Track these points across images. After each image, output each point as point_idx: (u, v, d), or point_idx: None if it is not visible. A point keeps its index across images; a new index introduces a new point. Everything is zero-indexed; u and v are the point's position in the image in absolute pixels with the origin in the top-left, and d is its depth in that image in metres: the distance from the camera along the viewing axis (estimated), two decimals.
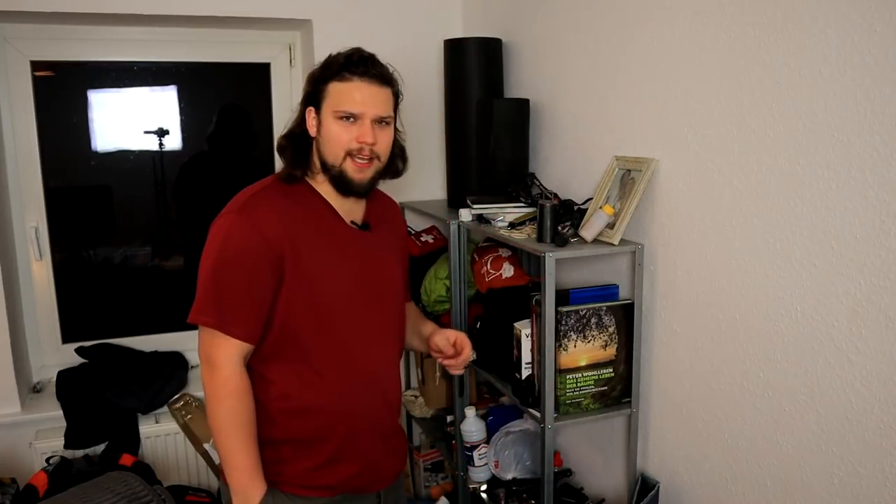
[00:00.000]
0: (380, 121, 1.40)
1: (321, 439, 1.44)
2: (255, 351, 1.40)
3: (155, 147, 2.66)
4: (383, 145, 1.42)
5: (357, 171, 1.41)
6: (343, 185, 1.43)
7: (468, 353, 1.58)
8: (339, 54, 1.41)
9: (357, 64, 1.38)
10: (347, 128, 1.38)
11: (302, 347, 1.41)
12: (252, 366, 1.41)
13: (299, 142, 1.46)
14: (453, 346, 1.58)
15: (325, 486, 1.45)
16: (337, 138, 1.39)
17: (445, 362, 1.60)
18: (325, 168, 1.42)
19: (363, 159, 1.40)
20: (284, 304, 1.38)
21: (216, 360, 1.36)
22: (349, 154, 1.39)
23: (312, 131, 1.43)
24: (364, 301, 1.47)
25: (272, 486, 1.41)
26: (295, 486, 1.44)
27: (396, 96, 1.45)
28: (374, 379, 1.50)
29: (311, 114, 1.43)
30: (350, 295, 1.45)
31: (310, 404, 1.43)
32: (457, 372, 1.63)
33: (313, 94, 1.42)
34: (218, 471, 2.45)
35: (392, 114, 1.43)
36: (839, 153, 1.23)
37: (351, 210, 1.48)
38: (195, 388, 2.51)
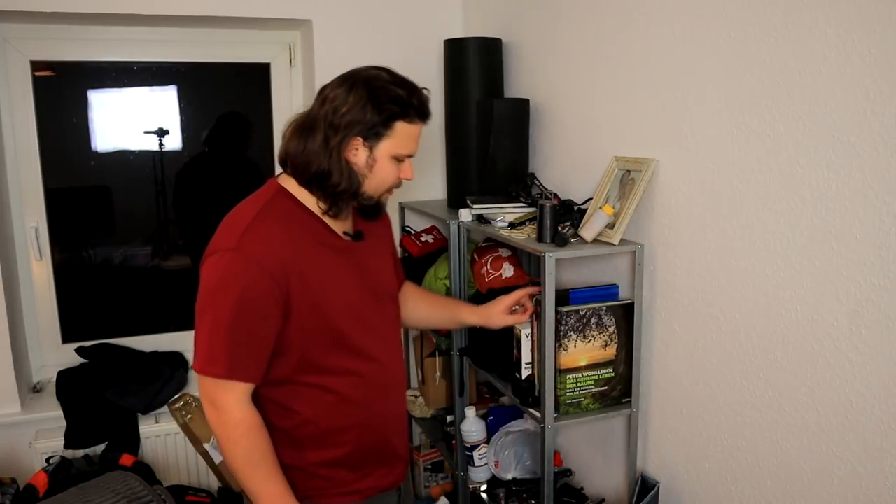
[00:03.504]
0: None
1: (351, 454, 1.44)
2: (269, 381, 1.37)
3: (155, 147, 2.66)
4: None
5: (386, 199, 1.46)
6: (373, 211, 1.46)
7: (530, 306, 1.69)
8: (397, 84, 1.34)
9: (425, 105, 1.37)
10: (397, 166, 1.39)
11: (321, 371, 1.39)
12: (268, 396, 1.39)
13: (332, 165, 1.35)
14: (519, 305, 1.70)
15: (355, 490, 1.46)
16: (388, 177, 1.38)
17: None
18: (358, 197, 1.38)
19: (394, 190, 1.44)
20: (299, 334, 1.34)
21: (224, 405, 1.32)
22: (389, 189, 1.42)
23: (357, 162, 1.35)
24: (368, 310, 1.46)
25: (306, 501, 1.41)
26: (327, 496, 1.44)
27: None
28: (388, 382, 1.51)
29: (357, 143, 1.34)
30: (357, 308, 1.43)
31: (336, 425, 1.42)
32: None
33: (372, 127, 1.33)
34: (218, 471, 2.45)
35: None
36: (839, 153, 1.23)
37: (341, 222, 1.45)
38: (195, 388, 2.50)
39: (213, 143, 2.75)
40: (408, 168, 1.41)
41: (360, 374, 1.43)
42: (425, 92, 1.38)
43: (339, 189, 1.35)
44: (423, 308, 1.75)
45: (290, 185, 1.40)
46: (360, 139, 1.33)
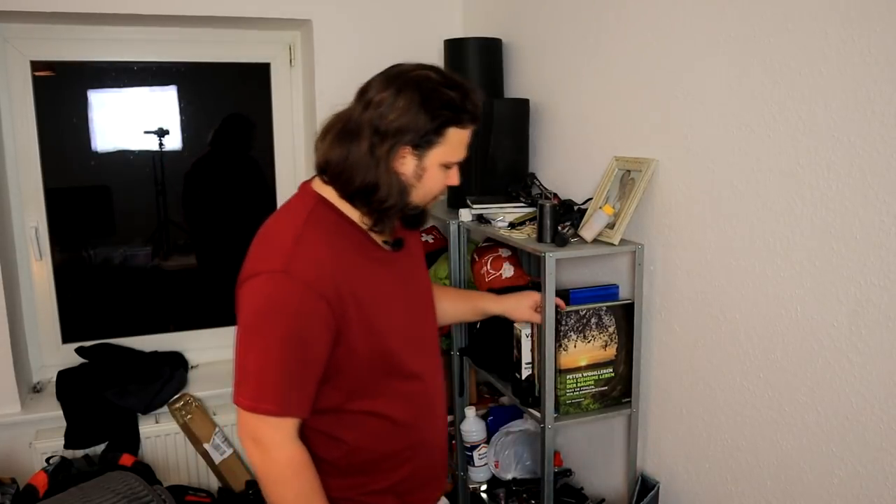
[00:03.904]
0: None
1: (404, 479, 1.37)
2: (315, 410, 1.26)
3: (155, 147, 2.66)
4: None
5: (430, 207, 1.36)
6: (415, 220, 1.36)
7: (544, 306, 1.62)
8: (455, 90, 1.21)
9: (479, 109, 1.25)
10: (445, 174, 1.28)
11: (372, 396, 1.29)
12: (313, 426, 1.29)
13: (378, 175, 1.22)
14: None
15: None
16: (436, 185, 1.27)
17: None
18: (403, 209, 1.27)
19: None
20: (349, 358, 1.24)
21: (271, 443, 1.20)
22: (436, 197, 1.32)
23: (405, 172, 1.23)
24: (414, 325, 1.38)
25: None
26: None
27: None
28: (434, 399, 1.42)
29: (405, 152, 1.22)
30: (404, 325, 1.34)
31: (387, 450, 1.33)
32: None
33: (424, 135, 1.21)
34: (218, 471, 2.45)
35: None
36: (839, 153, 1.23)
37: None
38: (195, 388, 2.51)
39: (218, 144, 2.75)
40: (454, 174, 1.29)
41: (409, 395, 1.34)
42: (477, 91, 1.26)
43: (387, 204, 1.23)
44: (443, 304, 1.66)
45: (328, 192, 1.28)
46: (408, 148, 1.21)
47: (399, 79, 1.21)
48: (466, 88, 1.23)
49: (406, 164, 1.23)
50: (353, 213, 1.28)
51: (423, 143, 1.22)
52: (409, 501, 1.40)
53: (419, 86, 1.20)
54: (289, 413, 1.21)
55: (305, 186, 1.33)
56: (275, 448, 1.21)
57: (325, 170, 1.26)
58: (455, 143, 1.25)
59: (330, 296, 1.18)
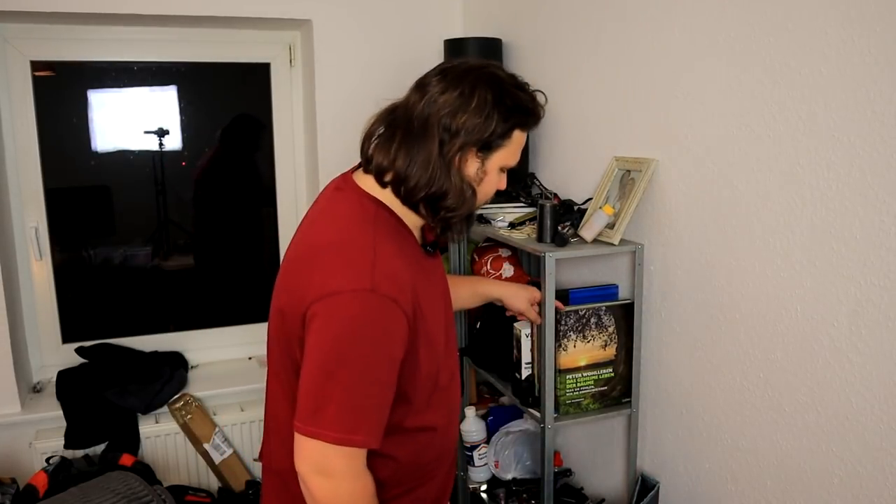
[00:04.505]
0: None
1: (437, 486, 1.34)
2: None
3: (155, 147, 2.66)
4: None
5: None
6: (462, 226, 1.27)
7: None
8: (524, 92, 1.17)
9: (542, 112, 1.20)
10: (500, 178, 1.22)
11: (424, 412, 1.22)
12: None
13: (445, 179, 1.14)
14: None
15: None
16: (492, 189, 1.21)
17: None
18: (467, 212, 1.20)
19: None
20: (414, 376, 1.16)
21: (346, 474, 1.10)
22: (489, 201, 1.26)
23: (468, 172, 1.16)
24: (452, 330, 1.32)
25: None
26: None
27: None
28: (458, 401, 1.38)
29: (471, 154, 1.15)
30: (447, 332, 1.27)
31: (427, 460, 1.28)
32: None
33: (491, 138, 1.14)
34: (218, 471, 2.45)
35: None
36: (839, 153, 1.23)
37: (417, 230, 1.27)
38: (195, 388, 2.51)
39: (227, 144, 2.76)
40: (505, 178, 1.23)
41: (446, 401, 1.29)
42: (540, 94, 1.22)
43: (456, 212, 1.16)
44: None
45: (380, 192, 1.19)
46: (475, 149, 1.15)
47: (470, 75, 1.14)
48: (532, 92, 1.19)
49: (469, 166, 1.16)
50: (407, 217, 1.20)
51: (490, 145, 1.15)
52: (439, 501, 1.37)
53: (492, 84, 1.13)
54: (374, 443, 1.11)
55: (352, 184, 1.21)
56: (349, 479, 1.10)
57: (383, 172, 1.16)
58: (517, 145, 1.20)
59: (409, 311, 1.11)
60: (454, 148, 1.13)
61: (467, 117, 1.12)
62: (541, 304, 1.64)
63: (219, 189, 2.83)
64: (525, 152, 2.12)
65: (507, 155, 1.19)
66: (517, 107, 1.15)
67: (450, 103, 1.12)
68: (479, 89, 1.13)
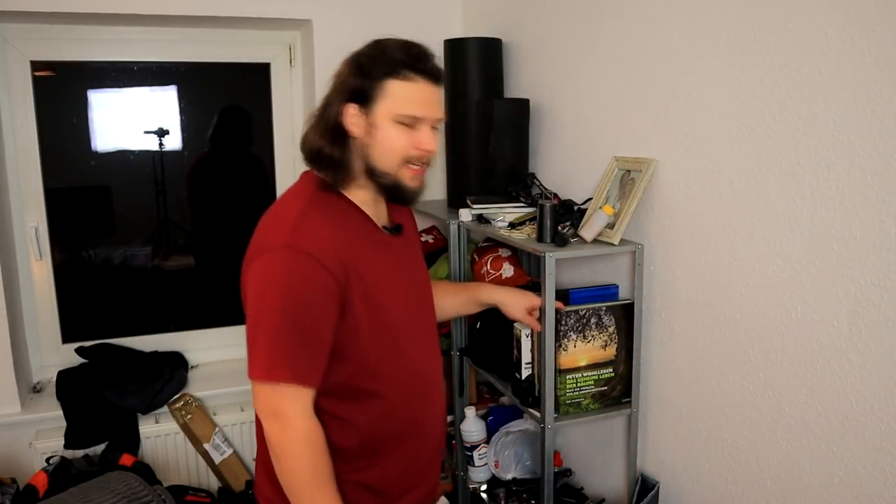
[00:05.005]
0: (436, 124, 1.31)
1: (402, 466, 1.38)
2: (322, 391, 1.27)
3: (155, 147, 2.66)
4: (436, 150, 1.33)
5: (412, 179, 1.32)
6: (397, 193, 1.33)
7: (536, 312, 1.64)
8: (393, 45, 1.26)
9: (422, 61, 1.26)
10: (407, 133, 1.27)
11: (373, 377, 1.31)
12: (322, 407, 1.29)
13: (342, 144, 1.29)
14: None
15: None
16: (396, 144, 1.26)
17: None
18: (373, 175, 1.29)
19: (418, 166, 1.31)
20: (353, 334, 1.26)
21: (288, 415, 1.22)
22: (407, 161, 1.29)
23: (356, 132, 1.27)
24: (414, 310, 1.41)
25: None
26: None
27: None
28: (431, 390, 1.44)
29: (351, 111, 1.26)
30: (404, 308, 1.36)
31: (386, 433, 1.35)
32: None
33: (361, 90, 1.25)
34: (218, 471, 2.45)
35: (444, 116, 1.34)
36: (839, 153, 1.23)
37: (380, 215, 1.39)
38: (195, 388, 2.51)
39: (218, 140, 2.75)
40: (424, 136, 1.27)
41: (408, 379, 1.36)
42: (424, 47, 1.27)
43: (336, 159, 1.28)
44: (439, 298, 1.66)
45: (319, 178, 1.34)
46: (355, 106, 1.26)
47: (359, 49, 1.29)
48: (409, 44, 1.27)
49: (357, 123, 1.27)
50: (354, 195, 1.33)
51: (365, 97, 1.25)
52: (406, 492, 1.41)
53: (368, 47, 1.28)
54: (302, 380, 1.22)
55: (307, 173, 1.37)
56: (292, 420, 1.22)
57: (307, 156, 1.33)
58: (400, 96, 1.25)
59: (334, 269, 1.21)
60: (336, 107, 1.27)
61: (343, 79, 1.27)
62: (541, 310, 1.64)
63: (218, 188, 2.83)
64: (525, 152, 2.14)
65: (393, 105, 1.25)
66: (385, 58, 1.25)
67: (337, 75, 1.29)
68: (357, 54, 1.28)
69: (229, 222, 2.83)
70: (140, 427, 2.38)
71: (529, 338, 1.77)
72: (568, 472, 2.08)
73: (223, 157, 2.80)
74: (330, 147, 1.28)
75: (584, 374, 1.70)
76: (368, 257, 1.30)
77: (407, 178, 1.31)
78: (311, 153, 1.31)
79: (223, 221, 2.84)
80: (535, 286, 1.85)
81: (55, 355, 2.54)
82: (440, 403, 1.48)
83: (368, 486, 1.36)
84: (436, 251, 2.43)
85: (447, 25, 2.59)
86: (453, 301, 1.73)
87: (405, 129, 1.27)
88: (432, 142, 1.29)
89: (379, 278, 1.30)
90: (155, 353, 2.63)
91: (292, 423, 1.22)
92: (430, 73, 1.27)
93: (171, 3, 2.26)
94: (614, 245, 1.66)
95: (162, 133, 2.66)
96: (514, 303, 1.68)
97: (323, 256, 1.21)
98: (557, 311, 1.64)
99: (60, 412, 2.33)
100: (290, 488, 1.25)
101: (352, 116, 1.27)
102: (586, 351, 1.70)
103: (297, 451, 1.23)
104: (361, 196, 1.34)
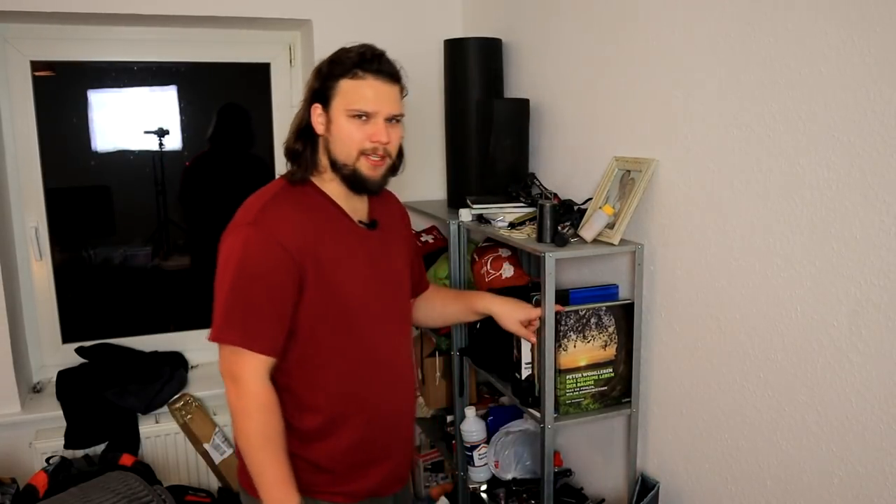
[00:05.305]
0: (391, 119, 1.41)
1: (353, 447, 1.45)
2: (280, 365, 1.39)
3: (155, 147, 2.66)
4: (395, 143, 1.43)
5: (371, 170, 1.41)
6: (357, 183, 1.42)
7: (536, 323, 1.66)
8: (348, 50, 1.40)
9: (370, 61, 1.38)
10: (360, 126, 1.38)
11: (328, 353, 1.41)
12: (276, 379, 1.39)
13: (307, 141, 1.44)
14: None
15: (350, 493, 1.46)
16: (350, 137, 1.38)
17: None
18: (336, 167, 1.41)
19: (377, 157, 1.40)
20: (308, 314, 1.37)
21: (242, 377, 1.33)
22: (363, 153, 1.39)
23: (320, 129, 1.42)
24: (379, 298, 1.48)
25: (304, 495, 1.40)
26: (320, 493, 1.44)
27: (402, 92, 1.44)
28: (395, 378, 1.51)
29: (317, 111, 1.41)
30: (367, 295, 1.45)
31: (341, 412, 1.43)
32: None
33: (321, 91, 1.40)
34: (218, 471, 2.45)
35: (402, 111, 1.44)
36: (839, 153, 1.23)
37: (357, 209, 1.49)
38: (195, 388, 2.51)
39: (217, 139, 2.75)
40: (377, 129, 1.39)
41: (364, 362, 1.44)
42: (377, 50, 1.40)
43: (300, 152, 1.43)
44: (436, 303, 1.76)
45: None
46: (319, 106, 1.41)
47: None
48: (365, 48, 1.39)
49: (320, 122, 1.41)
50: (330, 189, 1.44)
51: (320, 98, 1.40)
52: (362, 474, 1.46)
53: (331, 56, 1.41)
54: (252, 345, 1.32)
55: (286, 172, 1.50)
56: (244, 383, 1.33)
57: (284, 155, 1.48)
58: (350, 93, 1.37)
59: (292, 248, 1.32)
60: (304, 110, 1.43)
61: (310, 83, 1.43)
62: (540, 304, 1.64)
63: (215, 188, 2.82)
64: (525, 152, 2.14)
65: (345, 101, 1.38)
66: (336, 62, 1.39)
67: (307, 81, 1.45)
68: (322, 61, 1.42)
69: (228, 222, 2.83)
70: (140, 427, 2.38)
71: None
72: (568, 472, 2.08)
73: (221, 157, 2.80)
74: (300, 144, 1.44)
75: (584, 374, 1.70)
76: (331, 242, 1.40)
77: (365, 168, 1.41)
78: (286, 152, 1.47)
79: (222, 221, 2.83)
80: (536, 286, 1.85)
81: (55, 355, 2.54)
82: (405, 390, 1.55)
83: (314, 464, 1.43)
84: (436, 251, 2.43)
85: (447, 25, 2.59)
86: (452, 308, 1.77)
87: (359, 122, 1.38)
88: (385, 134, 1.39)
89: (340, 262, 1.40)
90: (155, 353, 2.63)
91: (248, 386, 1.33)
92: (379, 72, 1.38)
93: (171, 3, 2.26)
94: (614, 245, 1.66)
95: (162, 133, 2.66)
96: (510, 314, 1.68)
97: (282, 236, 1.32)
98: (556, 312, 1.64)
99: (60, 412, 2.33)
100: (244, 449, 1.36)
101: (317, 116, 1.41)
102: (586, 351, 1.70)
103: (250, 412, 1.33)
104: (334, 189, 1.44)
